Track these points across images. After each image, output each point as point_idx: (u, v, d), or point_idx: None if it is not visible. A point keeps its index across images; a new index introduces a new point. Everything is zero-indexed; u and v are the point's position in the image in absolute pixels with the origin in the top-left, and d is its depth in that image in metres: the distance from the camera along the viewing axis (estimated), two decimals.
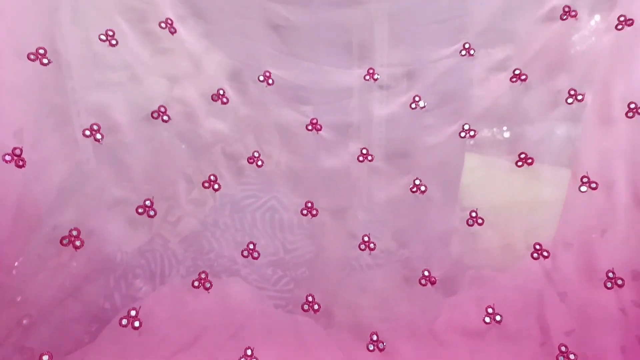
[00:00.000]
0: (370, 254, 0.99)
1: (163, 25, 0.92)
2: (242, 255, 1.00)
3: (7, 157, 0.78)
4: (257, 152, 1.02)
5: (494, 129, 0.99)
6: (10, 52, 0.79)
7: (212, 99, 0.98)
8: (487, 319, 0.91)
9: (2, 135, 0.77)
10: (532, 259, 0.93)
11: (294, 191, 1.04)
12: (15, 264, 0.83)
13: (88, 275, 0.92)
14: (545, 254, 0.92)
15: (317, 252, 1.03)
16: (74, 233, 0.86)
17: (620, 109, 0.89)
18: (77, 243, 0.86)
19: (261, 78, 1.00)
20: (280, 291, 1.02)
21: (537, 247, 0.93)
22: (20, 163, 0.79)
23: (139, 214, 0.92)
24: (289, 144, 1.03)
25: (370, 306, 0.96)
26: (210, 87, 0.99)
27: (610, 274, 0.87)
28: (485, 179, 1.01)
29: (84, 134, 0.88)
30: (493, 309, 0.92)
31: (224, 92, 0.99)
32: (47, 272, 0.88)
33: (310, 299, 0.96)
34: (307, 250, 1.04)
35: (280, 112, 1.02)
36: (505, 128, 0.99)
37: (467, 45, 0.98)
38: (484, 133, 0.99)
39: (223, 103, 0.98)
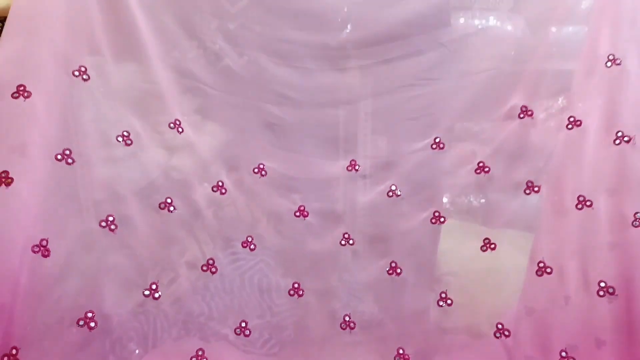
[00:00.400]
0: (350, 332, 1.07)
1: (172, 125, 1.06)
2: (235, 333, 1.09)
3: (35, 249, 0.91)
4: (251, 237, 1.12)
5: (463, 215, 1.09)
6: (42, 154, 0.92)
7: (212, 190, 1.10)
8: None
9: (30, 228, 0.90)
10: (495, 338, 1.01)
11: (283, 273, 1.13)
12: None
13: (86, 339, 1.01)
14: (506, 332, 1.00)
15: (302, 314, 1.11)
16: (89, 315, 0.98)
17: (571, 201, 0.99)
18: (92, 324, 0.98)
19: (255, 170, 1.11)
20: (266, 354, 1.10)
21: (499, 326, 1.01)
22: (46, 253, 0.91)
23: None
24: (279, 228, 1.13)
25: None
26: (210, 178, 1.10)
27: (564, 353, 0.95)
28: (455, 262, 1.11)
29: (100, 225, 1.00)
30: None
31: (222, 183, 1.10)
32: (49, 339, 0.97)
33: None
34: (292, 312, 1.12)
35: (272, 200, 1.12)
36: (472, 214, 1.09)
37: (437, 140, 1.09)
38: (453, 219, 1.09)
39: (222, 194, 1.10)
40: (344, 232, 1.11)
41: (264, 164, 1.12)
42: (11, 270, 0.87)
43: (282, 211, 1.12)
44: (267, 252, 1.14)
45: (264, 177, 1.12)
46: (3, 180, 0.87)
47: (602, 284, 0.96)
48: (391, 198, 1.10)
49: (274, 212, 1.13)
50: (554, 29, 1.03)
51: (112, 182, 1.02)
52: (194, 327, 1.11)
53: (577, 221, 0.98)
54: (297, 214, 1.12)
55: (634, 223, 0.95)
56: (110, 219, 1.01)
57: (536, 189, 1.03)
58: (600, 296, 0.96)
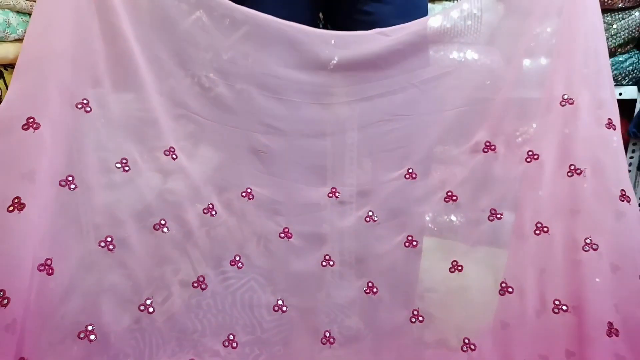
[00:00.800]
0: (330, 347, 1.15)
1: (167, 152, 1.13)
2: (223, 345, 1.16)
3: (41, 267, 0.97)
4: (239, 255, 1.20)
5: (434, 239, 1.19)
6: (48, 181, 0.98)
7: (203, 212, 1.17)
8: None
9: (38, 248, 0.96)
10: (462, 352, 1.10)
11: (272, 291, 1.20)
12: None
13: (86, 356, 1.05)
14: (472, 347, 1.10)
15: (288, 330, 1.18)
16: (90, 328, 1.04)
17: (529, 227, 1.09)
18: (92, 337, 1.04)
19: (243, 194, 1.19)
20: None
21: (466, 341, 1.10)
22: (50, 271, 0.98)
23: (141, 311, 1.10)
24: (265, 248, 1.21)
25: None
26: (202, 200, 1.17)
27: None
28: (434, 279, 1.19)
29: (99, 245, 1.07)
30: None
31: (213, 205, 1.18)
32: (53, 355, 1.02)
33: None
34: (283, 328, 1.18)
35: (258, 221, 1.20)
36: (441, 239, 1.19)
37: (410, 170, 1.18)
38: (426, 243, 1.18)
39: (212, 215, 1.18)
40: (325, 254, 1.20)
41: (252, 188, 1.20)
42: (23, 288, 0.94)
43: (267, 232, 1.20)
44: (256, 270, 1.21)
45: (251, 201, 1.19)
46: (16, 206, 0.93)
47: (557, 302, 1.06)
48: (368, 223, 1.19)
49: (260, 233, 1.20)
50: (527, 62, 1.13)
51: (110, 206, 1.09)
52: (187, 344, 1.16)
53: (535, 245, 1.08)
54: (282, 235, 1.20)
55: (584, 247, 1.05)
56: (109, 239, 1.08)
57: (499, 216, 1.13)
58: (555, 313, 1.06)
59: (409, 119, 1.18)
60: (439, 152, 1.19)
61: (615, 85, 1.83)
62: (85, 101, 1.03)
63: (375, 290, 1.17)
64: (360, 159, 1.21)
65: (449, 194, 1.16)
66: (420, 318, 1.14)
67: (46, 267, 0.98)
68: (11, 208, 0.93)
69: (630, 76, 1.93)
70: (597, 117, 1.07)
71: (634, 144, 1.99)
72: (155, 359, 1.13)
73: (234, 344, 1.16)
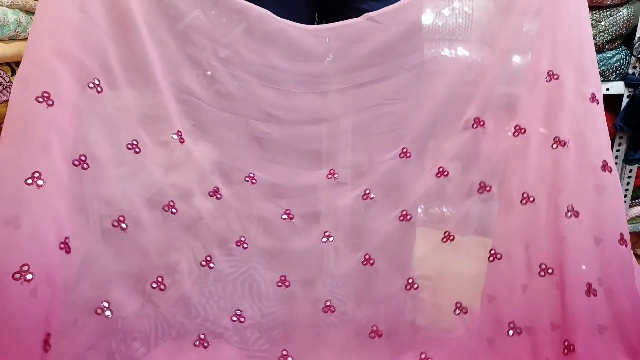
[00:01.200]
0: (330, 315, 1.21)
1: (175, 136, 1.17)
2: (231, 320, 1.21)
3: (61, 245, 1.01)
4: (243, 236, 1.25)
5: (427, 210, 1.25)
6: (63, 159, 1.02)
7: (209, 195, 1.22)
8: None
9: (58, 226, 1.01)
10: (454, 315, 1.15)
11: (270, 267, 1.26)
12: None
13: (96, 339, 1.11)
14: (465, 310, 1.15)
15: (289, 315, 1.24)
16: (105, 304, 1.09)
17: (516, 198, 1.15)
18: (107, 313, 1.09)
19: (247, 179, 1.25)
20: (258, 350, 1.21)
21: (458, 304, 1.16)
22: (68, 250, 1.02)
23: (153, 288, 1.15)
24: (268, 229, 1.26)
25: (332, 357, 1.16)
26: (208, 184, 1.23)
27: (511, 324, 1.09)
28: (428, 267, 1.25)
29: (112, 225, 1.12)
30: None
31: (218, 189, 1.23)
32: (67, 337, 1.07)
33: (284, 352, 1.18)
34: (281, 314, 1.24)
35: (261, 205, 1.25)
36: (435, 209, 1.25)
37: (404, 150, 1.24)
38: (420, 216, 1.24)
39: (217, 199, 1.23)
40: (324, 230, 1.26)
41: (254, 173, 1.25)
42: (49, 263, 0.98)
43: (270, 214, 1.26)
44: (260, 249, 1.26)
45: (254, 185, 1.25)
46: (36, 180, 0.97)
47: (543, 266, 1.12)
48: (365, 201, 1.25)
49: (264, 215, 1.26)
50: (517, 58, 1.19)
51: (122, 187, 1.14)
52: (192, 327, 1.21)
53: (521, 214, 1.14)
54: (284, 216, 1.26)
55: (566, 214, 1.11)
56: (121, 218, 1.13)
57: (488, 188, 1.19)
58: (541, 276, 1.11)
59: (403, 102, 1.23)
60: (432, 131, 1.25)
61: (603, 80, 1.93)
62: (96, 81, 1.07)
63: (372, 261, 1.22)
64: (356, 142, 1.27)
65: (441, 169, 1.22)
66: (415, 285, 1.20)
67: (65, 245, 1.02)
68: (30, 181, 0.97)
69: (618, 72, 2.00)
70: (581, 91, 1.13)
71: (620, 138, 2.05)
72: (162, 342, 1.19)
73: (242, 319, 1.21)
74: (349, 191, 1.27)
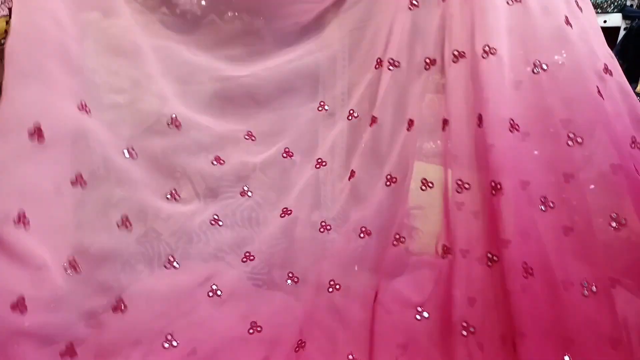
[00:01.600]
0: (327, 233, 1.29)
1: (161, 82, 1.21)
2: (242, 261, 1.27)
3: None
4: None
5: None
6: (67, 106, 1.05)
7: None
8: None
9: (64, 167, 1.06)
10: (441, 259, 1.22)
11: (274, 201, 1.32)
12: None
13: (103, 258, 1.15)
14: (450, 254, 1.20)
15: (289, 242, 1.30)
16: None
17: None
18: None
19: (246, 137, 1.32)
20: (258, 273, 1.27)
21: (445, 248, 1.22)
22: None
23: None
24: (269, 169, 1.33)
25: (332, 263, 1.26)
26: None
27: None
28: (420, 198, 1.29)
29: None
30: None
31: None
32: None
33: (290, 274, 1.27)
34: (280, 241, 1.29)
35: (261, 150, 1.32)
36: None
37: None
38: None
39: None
40: (318, 157, 1.33)
41: (251, 131, 1.33)
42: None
43: (273, 156, 1.32)
44: (264, 187, 1.33)
45: (254, 142, 1.32)
46: (37, 134, 0.98)
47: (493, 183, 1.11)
48: (351, 121, 1.32)
49: (265, 159, 1.32)
50: None
51: (119, 124, 1.18)
52: (193, 252, 1.26)
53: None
54: (284, 155, 1.33)
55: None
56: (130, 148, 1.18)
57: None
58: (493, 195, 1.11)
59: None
60: None
61: (599, 12, 1.92)
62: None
63: (369, 232, 1.27)
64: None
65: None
66: (403, 239, 1.26)
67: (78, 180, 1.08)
68: None
69: (616, 3, 1.98)
70: None
71: None
72: (165, 264, 1.22)
73: (252, 258, 1.27)
74: (339, 120, 1.34)
